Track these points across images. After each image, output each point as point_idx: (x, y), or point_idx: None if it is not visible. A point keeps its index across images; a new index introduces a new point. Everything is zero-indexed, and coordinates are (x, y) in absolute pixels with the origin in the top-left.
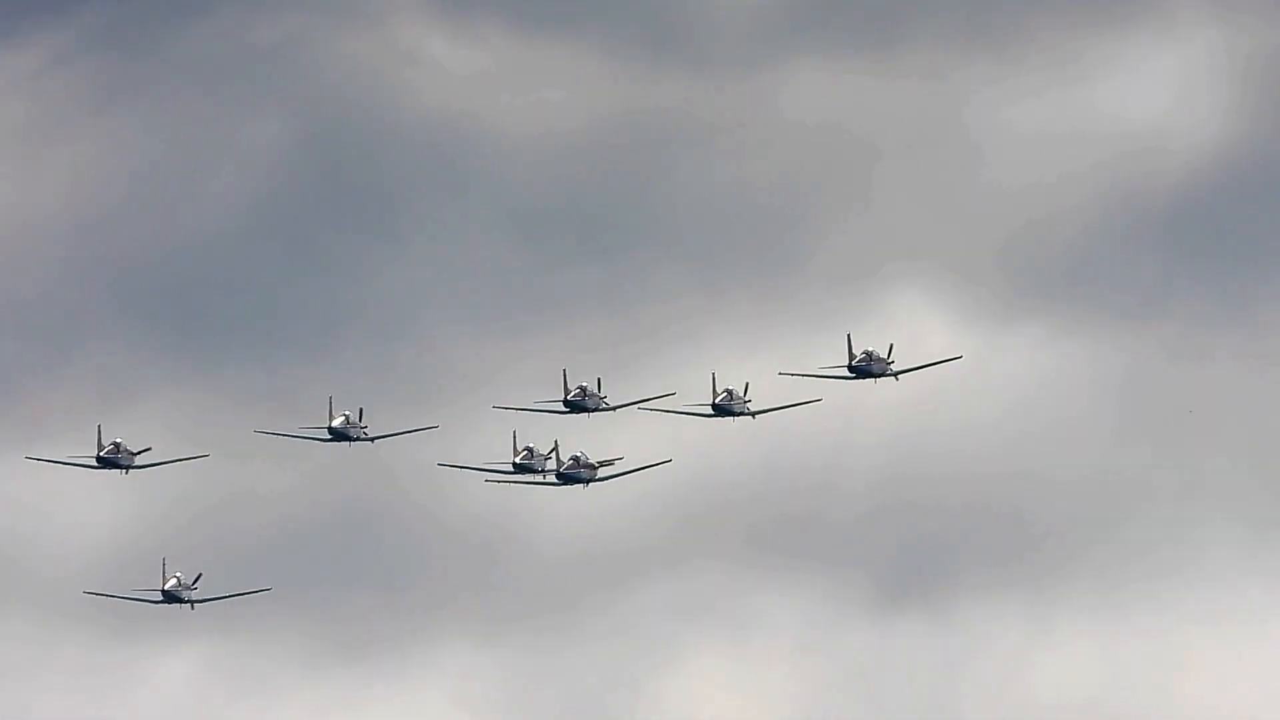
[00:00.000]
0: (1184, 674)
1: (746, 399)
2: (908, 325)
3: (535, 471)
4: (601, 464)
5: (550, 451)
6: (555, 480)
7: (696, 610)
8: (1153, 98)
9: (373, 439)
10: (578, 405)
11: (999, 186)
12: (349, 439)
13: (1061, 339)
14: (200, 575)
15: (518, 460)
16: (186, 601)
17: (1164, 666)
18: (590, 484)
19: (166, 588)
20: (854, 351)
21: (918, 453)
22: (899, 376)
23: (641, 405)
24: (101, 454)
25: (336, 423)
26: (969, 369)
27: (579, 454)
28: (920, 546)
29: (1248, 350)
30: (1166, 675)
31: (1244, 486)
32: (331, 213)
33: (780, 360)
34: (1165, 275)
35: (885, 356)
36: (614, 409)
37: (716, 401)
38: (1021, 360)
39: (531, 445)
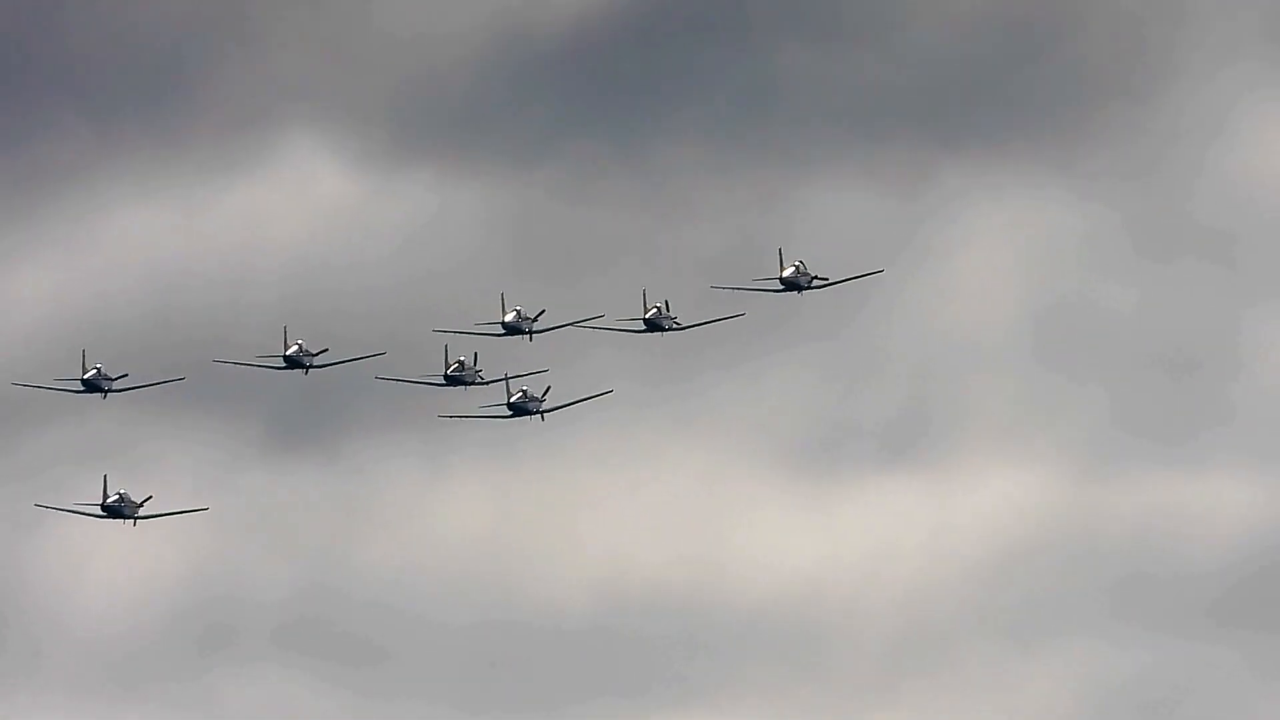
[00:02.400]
0: (579, 511)
1: (673, 315)
2: (300, 170)
3: (467, 384)
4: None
5: (545, 392)
6: (508, 412)
7: (91, 456)
8: None
9: None
10: (514, 329)
11: (389, 29)
12: None
13: (452, 183)
14: None
15: (449, 373)
16: None
17: (559, 505)
18: (537, 414)
19: None
20: (784, 264)
21: (309, 289)
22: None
23: (578, 324)
24: None
25: None
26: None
27: (525, 388)
28: (314, 390)
29: (637, 194)
30: (562, 513)
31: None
32: None
33: (180, 207)
34: (554, 119)
35: (807, 270)
36: (547, 330)
37: (646, 317)
38: (412, 205)
39: (463, 359)
